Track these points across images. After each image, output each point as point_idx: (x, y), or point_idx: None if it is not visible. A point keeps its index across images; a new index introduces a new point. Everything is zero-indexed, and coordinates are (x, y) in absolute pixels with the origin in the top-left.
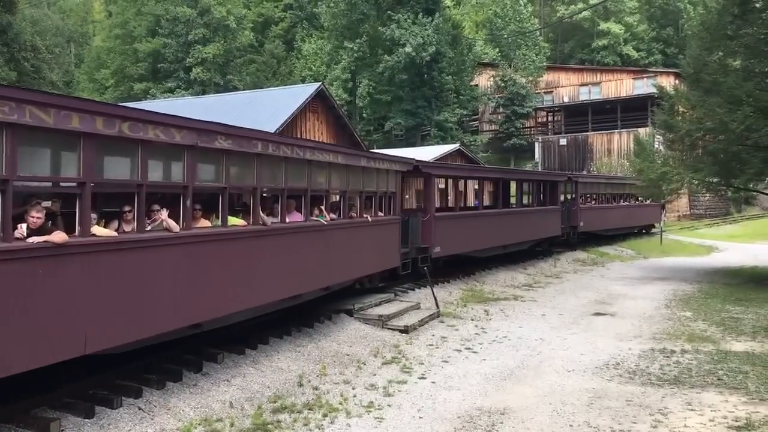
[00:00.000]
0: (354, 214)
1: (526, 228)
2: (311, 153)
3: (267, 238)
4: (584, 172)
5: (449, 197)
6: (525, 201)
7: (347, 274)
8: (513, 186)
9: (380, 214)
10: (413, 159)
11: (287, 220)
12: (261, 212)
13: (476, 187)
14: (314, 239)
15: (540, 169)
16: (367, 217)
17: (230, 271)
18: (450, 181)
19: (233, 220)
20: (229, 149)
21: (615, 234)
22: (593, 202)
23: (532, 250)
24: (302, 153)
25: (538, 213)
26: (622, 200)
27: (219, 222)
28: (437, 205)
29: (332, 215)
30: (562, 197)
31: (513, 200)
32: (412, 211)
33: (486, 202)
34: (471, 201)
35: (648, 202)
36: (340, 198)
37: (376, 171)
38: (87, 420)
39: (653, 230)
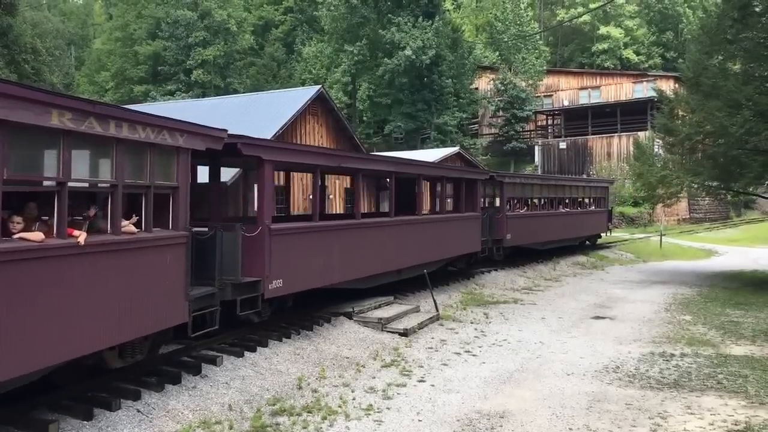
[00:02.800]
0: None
1: (427, 244)
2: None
3: None
4: (584, 175)
5: (293, 198)
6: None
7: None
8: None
9: None
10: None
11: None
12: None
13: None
14: None
15: (540, 172)
16: None
17: None
18: (295, 174)
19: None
20: None
21: (553, 248)
22: (525, 208)
23: (442, 271)
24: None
25: (448, 223)
26: (561, 206)
27: None
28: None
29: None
30: (498, 202)
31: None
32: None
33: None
34: (337, 207)
35: (593, 208)
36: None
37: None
38: (86, 422)
39: (600, 241)
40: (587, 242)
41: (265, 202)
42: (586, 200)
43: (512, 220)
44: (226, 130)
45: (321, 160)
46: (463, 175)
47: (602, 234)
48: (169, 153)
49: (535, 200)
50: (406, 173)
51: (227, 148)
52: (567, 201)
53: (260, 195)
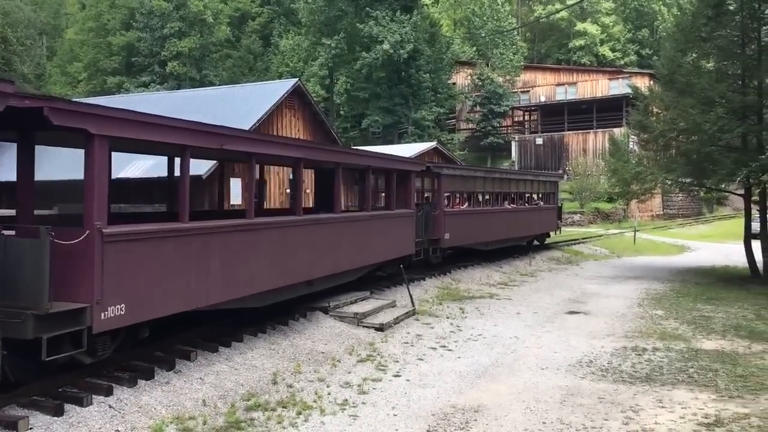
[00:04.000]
0: None
1: (348, 248)
2: None
3: None
4: (560, 171)
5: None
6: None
7: None
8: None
9: None
10: None
11: None
12: None
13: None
14: None
15: (517, 167)
16: None
17: None
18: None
19: None
20: None
21: (498, 248)
22: (466, 204)
23: (369, 276)
24: None
25: (374, 223)
26: (507, 202)
27: None
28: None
29: None
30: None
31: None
32: None
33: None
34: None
35: (541, 204)
36: None
37: None
38: (56, 418)
39: (550, 240)
40: (536, 242)
41: (95, 196)
42: (535, 196)
43: (451, 217)
44: (11, 82)
45: (188, 138)
46: (393, 165)
47: (552, 233)
48: None
49: (478, 195)
50: (320, 161)
51: (33, 116)
52: (513, 196)
53: (88, 185)
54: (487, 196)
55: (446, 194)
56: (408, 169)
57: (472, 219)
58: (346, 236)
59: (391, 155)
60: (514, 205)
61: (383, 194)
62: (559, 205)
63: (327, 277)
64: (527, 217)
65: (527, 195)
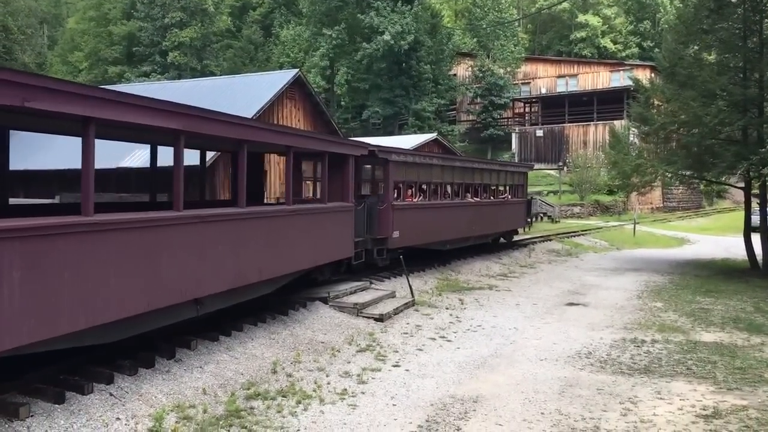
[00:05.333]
0: None
1: (258, 254)
2: None
3: None
4: (560, 163)
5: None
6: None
7: None
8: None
9: None
10: None
11: None
12: None
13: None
14: None
15: (517, 159)
16: None
17: None
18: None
19: None
20: None
21: (457, 247)
22: (420, 196)
23: (291, 287)
24: None
25: (295, 220)
26: (470, 194)
27: None
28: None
29: None
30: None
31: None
32: None
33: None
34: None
35: (509, 197)
36: None
37: None
38: (57, 405)
39: (519, 238)
40: (502, 240)
41: None
42: (501, 188)
43: (401, 212)
44: None
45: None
46: (325, 147)
47: (520, 230)
48: None
49: (436, 187)
50: (210, 136)
51: None
52: (477, 188)
53: None
54: (446, 188)
55: (397, 184)
56: (345, 153)
57: (427, 214)
58: (255, 237)
59: (322, 135)
60: (478, 199)
61: (320, 184)
62: (529, 198)
63: (225, 293)
64: (493, 212)
65: (493, 187)
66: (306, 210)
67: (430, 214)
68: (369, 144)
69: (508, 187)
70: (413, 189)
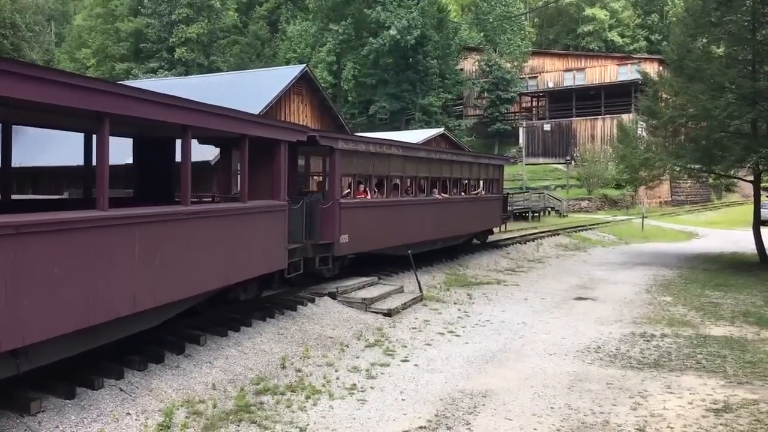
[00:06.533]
0: None
1: (143, 270)
2: None
3: None
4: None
5: None
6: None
7: None
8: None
9: None
10: None
11: None
12: None
13: None
14: None
15: (525, 154)
16: None
17: None
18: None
19: None
20: None
21: (423, 251)
22: (375, 193)
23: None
24: None
25: (197, 224)
26: (437, 189)
27: None
28: None
29: None
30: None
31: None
32: None
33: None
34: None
35: (482, 192)
36: None
37: None
38: (68, 401)
39: (494, 237)
40: (475, 240)
41: None
42: (473, 183)
43: (351, 212)
44: None
45: None
46: (243, 129)
47: (496, 229)
48: None
49: (394, 180)
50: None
51: None
52: (446, 183)
53: None
54: (409, 182)
55: (347, 178)
56: (274, 138)
57: (384, 214)
58: (124, 252)
59: (236, 111)
60: (447, 195)
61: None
62: (505, 195)
63: (72, 336)
64: (465, 210)
65: (465, 181)
66: (213, 212)
67: (388, 214)
68: (308, 128)
69: (481, 182)
70: (366, 183)
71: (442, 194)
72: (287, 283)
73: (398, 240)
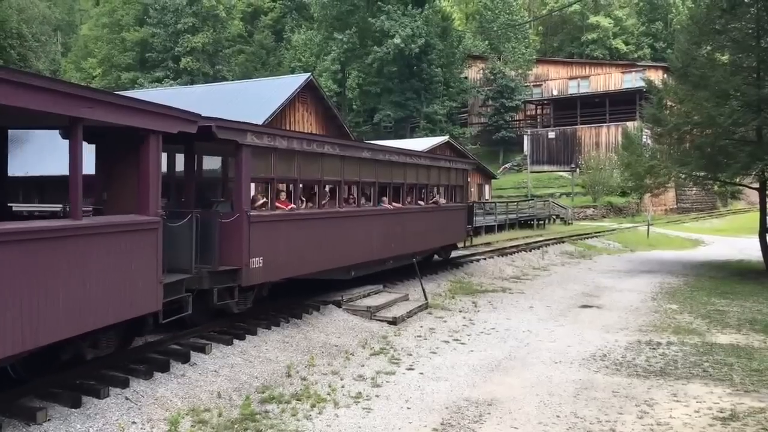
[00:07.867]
0: None
1: None
2: None
3: None
4: (572, 165)
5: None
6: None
7: None
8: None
9: None
10: None
11: None
12: None
13: None
14: None
15: (529, 161)
16: None
17: None
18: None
19: None
20: None
21: (369, 273)
22: (303, 203)
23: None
24: None
25: (20, 253)
26: (387, 198)
27: None
28: None
29: None
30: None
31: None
32: None
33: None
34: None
35: (443, 201)
36: None
37: None
38: (74, 410)
39: (458, 254)
40: (436, 257)
41: None
42: (435, 190)
43: (265, 227)
44: None
45: None
46: (80, 112)
47: (459, 244)
48: None
49: (329, 187)
50: None
51: None
52: (399, 190)
53: None
54: (349, 189)
55: (257, 184)
56: (135, 126)
57: (315, 229)
58: None
59: (56, 80)
60: (400, 204)
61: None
62: (470, 203)
63: None
64: (421, 223)
65: (422, 189)
66: (24, 232)
67: (321, 229)
68: (197, 115)
69: (442, 189)
70: (293, 191)
71: (394, 203)
72: (164, 328)
73: (335, 261)
